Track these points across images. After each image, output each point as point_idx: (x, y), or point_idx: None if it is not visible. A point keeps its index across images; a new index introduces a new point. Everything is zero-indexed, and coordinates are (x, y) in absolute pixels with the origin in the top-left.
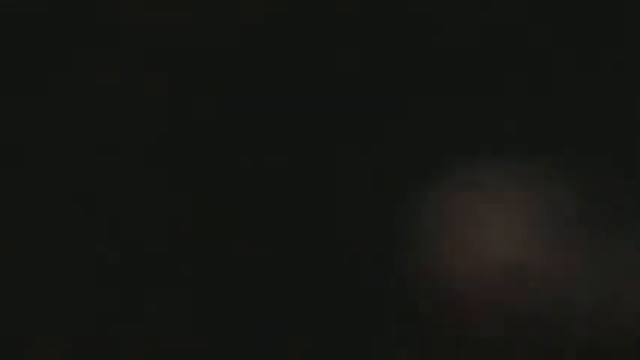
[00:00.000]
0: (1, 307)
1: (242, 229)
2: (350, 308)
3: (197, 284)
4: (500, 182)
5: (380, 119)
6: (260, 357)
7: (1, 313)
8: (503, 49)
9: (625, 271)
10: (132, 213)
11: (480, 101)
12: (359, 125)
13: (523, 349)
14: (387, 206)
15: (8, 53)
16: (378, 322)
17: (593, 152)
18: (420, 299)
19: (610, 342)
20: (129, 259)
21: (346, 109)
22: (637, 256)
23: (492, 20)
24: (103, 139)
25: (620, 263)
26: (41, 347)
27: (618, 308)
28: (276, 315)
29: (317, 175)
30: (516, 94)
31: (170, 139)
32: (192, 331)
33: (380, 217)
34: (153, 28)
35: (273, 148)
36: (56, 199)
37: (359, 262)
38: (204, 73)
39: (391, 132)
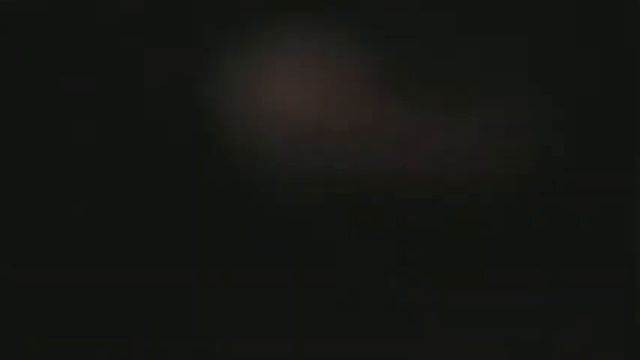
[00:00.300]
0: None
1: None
2: None
3: (197, 284)
4: (303, 47)
5: None
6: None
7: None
8: None
9: (425, 132)
10: (131, 213)
11: None
12: None
13: (327, 211)
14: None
15: (8, 53)
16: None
17: (399, 19)
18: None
19: (410, 202)
20: (129, 259)
21: None
22: (434, 117)
23: None
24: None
25: (420, 126)
26: (44, 347)
27: (417, 170)
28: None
29: None
30: None
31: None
32: (194, 332)
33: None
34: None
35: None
36: (55, 200)
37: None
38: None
39: None
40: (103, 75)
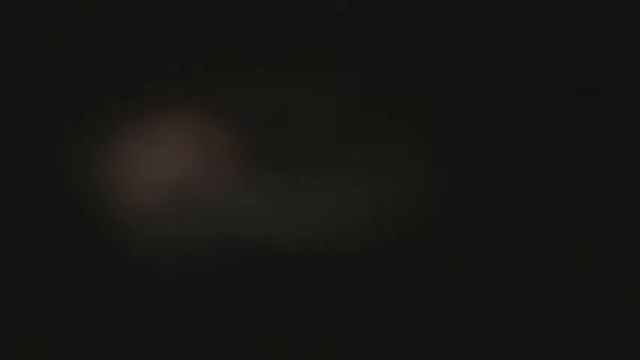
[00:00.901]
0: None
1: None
2: None
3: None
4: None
5: None
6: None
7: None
8: None
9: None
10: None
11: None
12: None
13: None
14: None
15: (8, 53)
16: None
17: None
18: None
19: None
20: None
21: None
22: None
23: None
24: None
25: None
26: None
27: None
28: None
29: None
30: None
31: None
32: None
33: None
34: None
35: None
36: (54, 201)
37: None
38: None
39: None
40: None
